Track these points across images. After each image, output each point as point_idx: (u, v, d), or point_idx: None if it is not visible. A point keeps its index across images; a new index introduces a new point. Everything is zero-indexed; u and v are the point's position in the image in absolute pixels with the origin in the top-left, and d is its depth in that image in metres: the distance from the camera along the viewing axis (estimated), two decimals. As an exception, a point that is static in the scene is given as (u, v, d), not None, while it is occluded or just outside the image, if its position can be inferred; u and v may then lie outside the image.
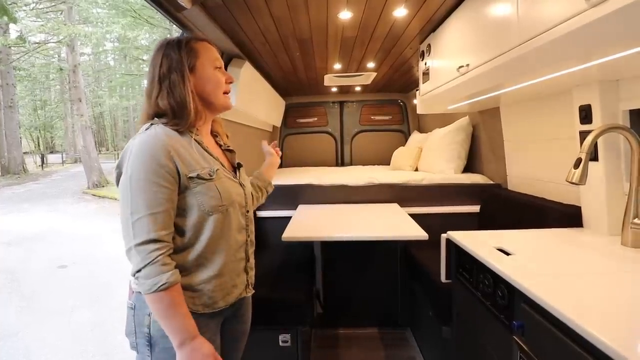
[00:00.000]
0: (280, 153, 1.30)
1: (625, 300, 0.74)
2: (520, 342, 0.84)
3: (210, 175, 0.86)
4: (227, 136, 1.07)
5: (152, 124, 0.85)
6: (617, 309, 0.70)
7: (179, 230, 0.84)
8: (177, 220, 0.83)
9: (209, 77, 0.91)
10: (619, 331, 0.61)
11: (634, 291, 0.78)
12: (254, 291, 1.04)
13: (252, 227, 1.02)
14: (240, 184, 0.98)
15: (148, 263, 0.75)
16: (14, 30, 13.80)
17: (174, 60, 0.86)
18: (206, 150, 0.91)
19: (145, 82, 0.90)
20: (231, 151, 1.03)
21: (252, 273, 1.02)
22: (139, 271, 0.75)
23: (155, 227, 0.76)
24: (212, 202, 0.85)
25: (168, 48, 0.87)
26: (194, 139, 0.89)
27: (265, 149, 1.28)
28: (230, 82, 0.97)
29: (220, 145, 1.01)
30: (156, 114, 0.87)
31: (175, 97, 0.85)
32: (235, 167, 1.01)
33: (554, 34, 0.90)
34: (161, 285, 0.74)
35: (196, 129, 0.91)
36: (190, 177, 0.83)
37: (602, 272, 0.91)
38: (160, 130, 0.83)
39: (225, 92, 0.95)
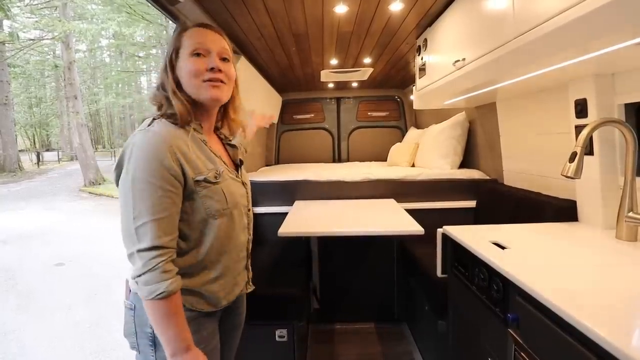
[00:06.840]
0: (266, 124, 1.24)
1: (618, 292, 0.74)
2: (515, 335, 0.84)
3: (217, 178, 0.82)
4: (244, 129, 1.01)
5: (154, 119, 0.79)
6: (610, 301, 0.70)
7: (184, 234, 0.80)
8: (181, 224, 0.79)
9: (182, 66, 0.82)
10: (613, 323, 0.61)
11: (628, 284, 0.79)
12: (254, 287, 1.02)
13: (251, 224, 1.00)
14: (243, 183, 0.95)
15: (148, 269, 0.72)
16: (7, 27, 13.65)
17: (168, 47, 0.83)
18: (210, 150, 0.86)
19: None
20: (233, 146, 0.98)
21: (250, 268, 1.01)
22: (139, 276, 0.73)
23: (159, 233, 0.73)
24: (217, 206, 0.82)
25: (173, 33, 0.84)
26: (199, 138, 0.84)
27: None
28: (213, 70, 0.82)
29: (221, 139, 0.97)
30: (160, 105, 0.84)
31: (164, 87, 0.83)
32: (237, 165, 0.97)
33: (550, 26, 0.90)
34: (159, 294, 0.71)
35: (199, 126, 0.86)
36: (197, 181, 0.79)
37: (596, 265, 0.91)
38: (163, 128, 0.77)
39: (210, 80, 0.82)
